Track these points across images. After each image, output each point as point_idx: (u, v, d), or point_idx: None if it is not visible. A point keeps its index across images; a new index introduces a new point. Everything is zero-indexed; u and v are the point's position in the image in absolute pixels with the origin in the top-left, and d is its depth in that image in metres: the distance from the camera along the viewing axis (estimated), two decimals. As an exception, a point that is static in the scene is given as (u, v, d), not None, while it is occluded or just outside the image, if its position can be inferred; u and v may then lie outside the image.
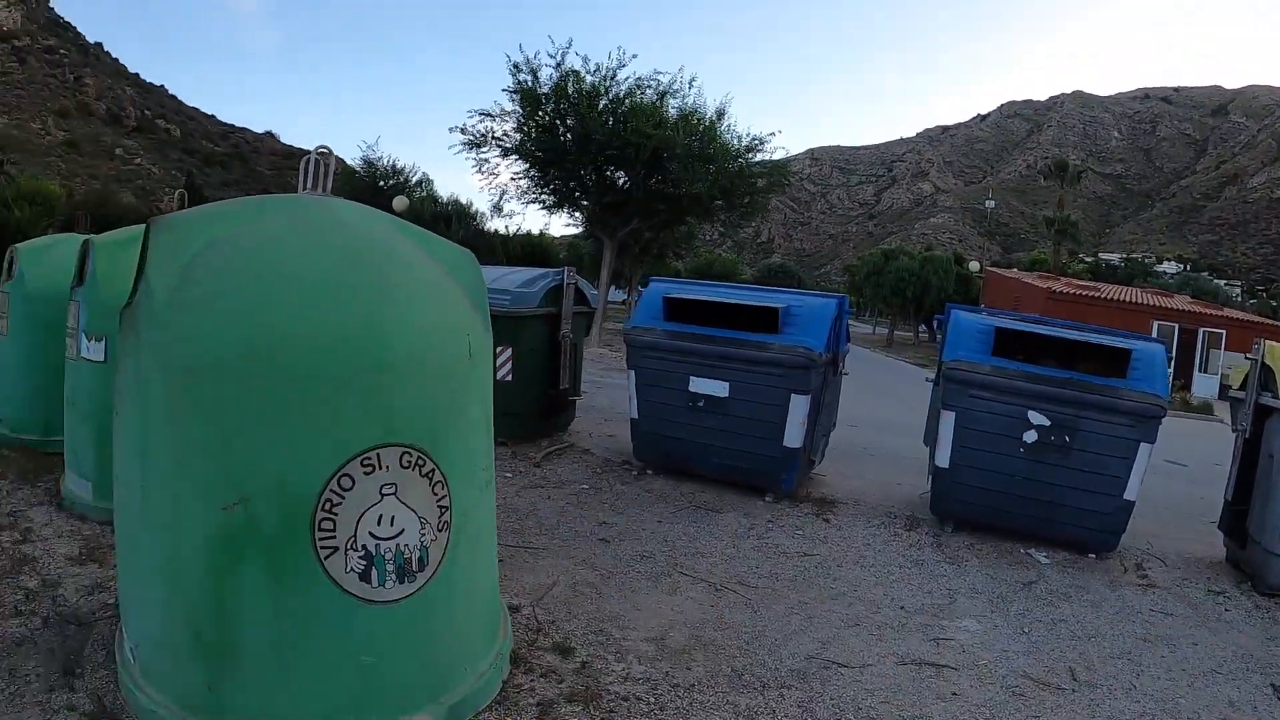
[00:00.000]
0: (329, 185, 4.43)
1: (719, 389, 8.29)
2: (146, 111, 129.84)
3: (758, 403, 8.19)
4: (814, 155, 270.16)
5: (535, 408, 10.17)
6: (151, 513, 3.50)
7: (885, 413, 16.31)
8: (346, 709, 3.48)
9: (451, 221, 34.45)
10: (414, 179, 41.39)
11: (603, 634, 5.06)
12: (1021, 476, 7.37)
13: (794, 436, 8.09)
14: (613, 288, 40.40)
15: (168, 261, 3.45)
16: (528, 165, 30.85)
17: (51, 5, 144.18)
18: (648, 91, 29.09)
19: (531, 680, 4.42)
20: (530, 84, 28.27)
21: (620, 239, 31.87)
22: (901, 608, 6.05)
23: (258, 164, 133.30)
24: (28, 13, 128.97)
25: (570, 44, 31.93)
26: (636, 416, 8.97)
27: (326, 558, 3.29)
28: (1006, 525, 7.81)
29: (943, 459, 7.58)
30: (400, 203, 33.03)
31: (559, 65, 28.36)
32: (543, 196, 32.26)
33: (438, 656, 3.79)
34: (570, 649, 4.78)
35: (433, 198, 38.82)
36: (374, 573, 3.40)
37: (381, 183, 39.84)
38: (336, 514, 3.29)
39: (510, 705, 4.17)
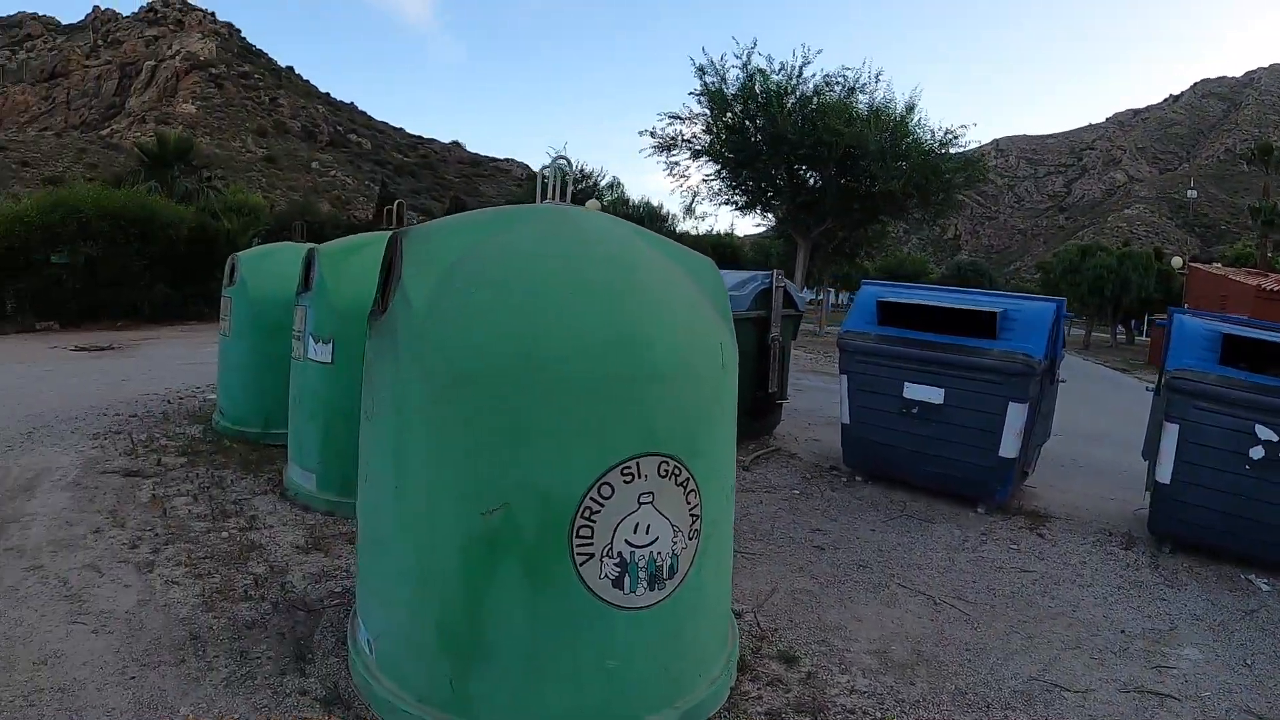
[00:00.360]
0: (569, 195, 4.48)
1: (934, 395, 8.16)
2: (338, 127, 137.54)
3: (973, 410, 8.00)
4: (999, 146, 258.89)
5: (744, 411, 10.13)
6: (406, 513, 3.67)
7: (1090, 421, 15.45)
8: (589, 711, 3.59)
9: (644, 224, 34.98)
10: (602, 182, 41.98)
11: (825, 644, 5.07)
12: (1247, 496, 6.79)
13: (1010, 446, 7.83)
14: (804, 288, 40.05)
15: (424, 271, 3.61)
16: (719, 166, 30.88)
17: (243, 35, 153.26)
18: (835, 88, 28.67)
19: (759, 688, 4.46)
20: (717, 85, 28.27)
21: (813, 239, 31.47)
22: (1122, 631, 5.83)
23: (446, 172, 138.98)
24: (222, 43, 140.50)
25: (755, 44, 31.72)
26: (848, 422, 8.89)
27: (582, 564, 3.38)
28: (1228, 547, 7.28)
29: (1164, 474, 7.17)
30: (592, 205, 33.51)
31: (745, 65, 28.28)
32: (735, 198, 32.25)
33: (677, 662, 3.86)
34: (795, 658, 4.81)
35: (624, 200, 39.27)
36: (626, 579, 3.49)
37: (570, 186, 40.68)
38: (595, 521, 3.38)
39: (739, 712, 4.19)
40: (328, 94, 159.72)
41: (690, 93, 29.99)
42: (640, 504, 3.44)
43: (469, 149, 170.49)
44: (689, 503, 3.63)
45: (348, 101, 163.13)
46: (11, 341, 18.90)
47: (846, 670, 4.73)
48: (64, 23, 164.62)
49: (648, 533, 3.48)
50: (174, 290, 23.05)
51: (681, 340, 3.68)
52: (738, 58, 28.57)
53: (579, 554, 3.35)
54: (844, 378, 8.99)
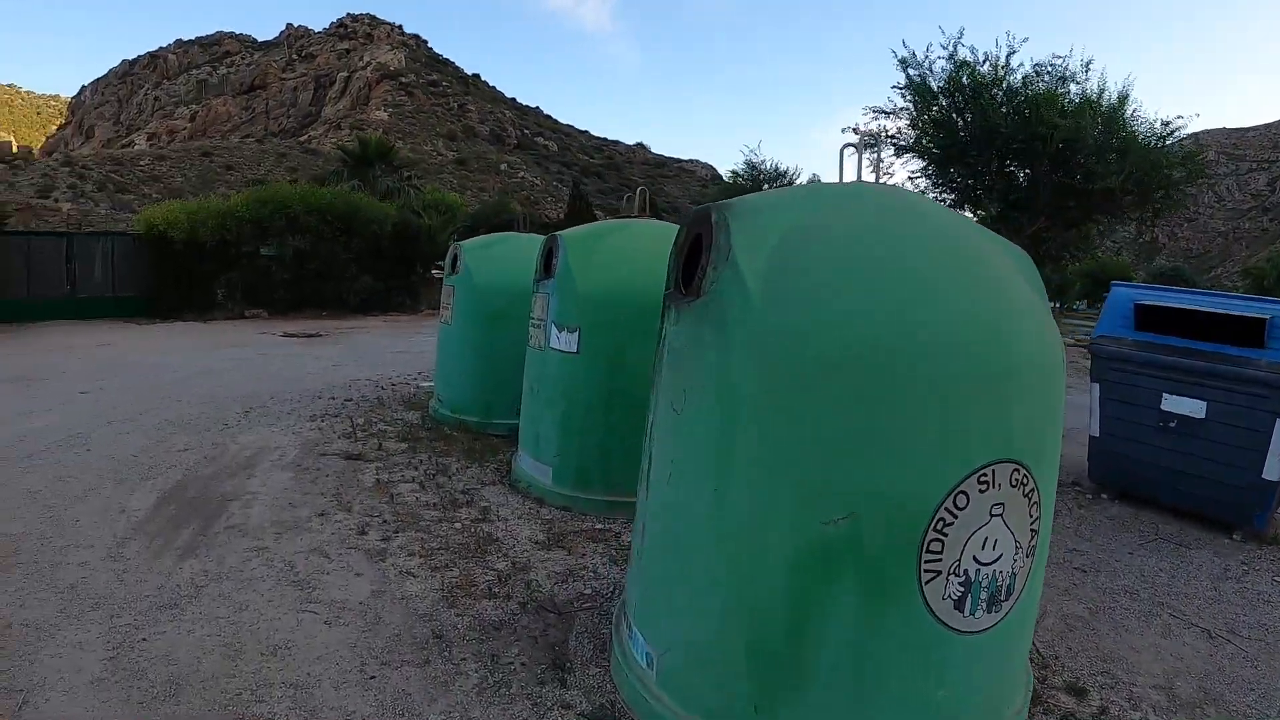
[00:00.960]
0: (860, 172, 4.13)
1: (1195, 409, 7.48)
2: (525, 130, 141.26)
3: (1236, 427, 7.28)
4: (1198, 140, 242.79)
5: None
6: (726, 518, 3.30)
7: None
8: (909, 740, 3.22)
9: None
10: (797, 180, 40.91)
11: (1109, 675, 4.68)
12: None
13: (1274, 468, 6.84)
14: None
15: (755, 251, 3.28)
16: (925, 163, 29.47)
17: (430, 45, 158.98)
18: (1045, 78, 26.89)
19: (1052, 721, 3.99)
20: (921, 78, 26.93)
21: (1025, 239, 29.74)
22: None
23: (631, 173, 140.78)
24: (410, 54, 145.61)
25: (962, 33, 30.08)
26: (1097, 434, 8.18)
27: (927, 582, 3.04)
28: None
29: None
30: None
31: (951, 56, 26.82)
32: (942, 196, 30.75)
33: (996, 689, 3.55)
34: (1083, 690, 4.44)
35: (817, 198, 38.49)
36: (968, 600, 3.14)
37: (765, 185, 39.71)
38: (946, 535, 3.03)
39: (1040, 749, 3.74)
40: (514, 99, 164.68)
41: (893, 86, 28.60)
42: (991, 516, 3.10)
43: (653, 150, 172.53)
44: (1031, 515, 3.26)
45: (533, 106, 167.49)
46: (223, 327, 19.82)
47: (1137, 707, 4.32)
48: (259, 40, 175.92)
49: (994, 548, 3.13)
50: (377, 282, 23.67)
51: (1033, 333, 3.34)
52: (944, 48, 27.06)
53: (926, 571, 3.01)
54: (1095, 386, 8.23)
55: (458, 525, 6.12)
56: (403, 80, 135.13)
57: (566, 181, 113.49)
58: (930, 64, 27.15)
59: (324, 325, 20.45)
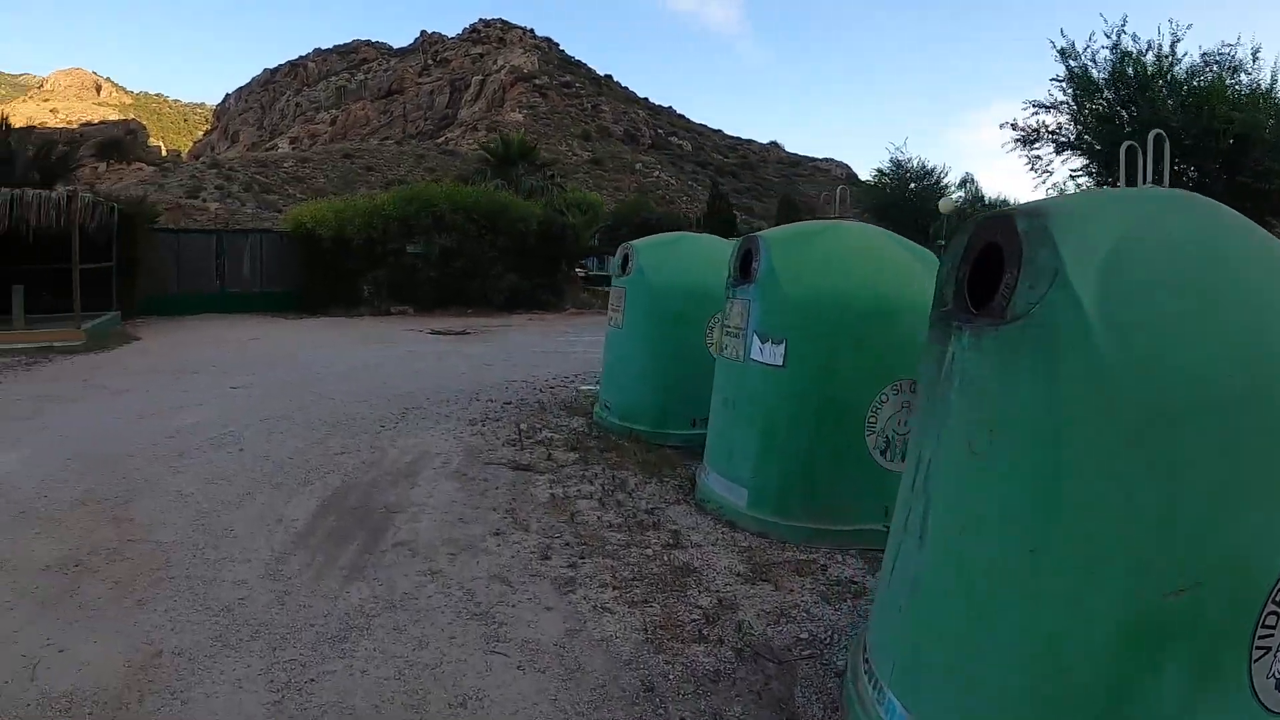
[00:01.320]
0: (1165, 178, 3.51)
1: None
2: (659, 130, 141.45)
3: None
4: None
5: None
6: (1043, 581, 2.80)
7: None
8: None
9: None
10: (943, 179, 39.44)
11: None
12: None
13: None
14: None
15: (1083, 270, 2.77)
16: (1086, 160, 27.78)
17: (562, 48, 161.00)
18: (1213, 68, 24.93)
19: None
20: (1082, 70, 25.31)
21: (1192, 243, 27.73)
22: None
23: (765, 172, 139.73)
24: (542, 56, 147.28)
25: (1125, 21, 28.08)
26: None
27: (1256, 660, 2.60)
28: None
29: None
30: (946, 204, 31.35)
31: (1115, 46, 25.09)
32: (1103, 196, 28.96)
33: None
34: None
35: (979, 199, 36.68)
36: None
37: (912, 184, 38.41)
38: None
39: None
40: (646, 99, 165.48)
41: (1052, 79, 26.96)
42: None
43: (787, 149, 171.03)
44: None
45: (666, 105, 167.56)
46: (369, 323, 19.78)
47: None
48: (395, 46, 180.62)
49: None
50: (522, 280, 23.43)
51: None
52: (1107, 36, 25.33)
53: (1257, 648, 2.59)
54: None
55: (648, 551, 5.42)
56: (536, 82, 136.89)
57: (702, 181, 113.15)
58: (1093, 54, 25.57)
59: (470, 323, 20.24)
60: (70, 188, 16.22)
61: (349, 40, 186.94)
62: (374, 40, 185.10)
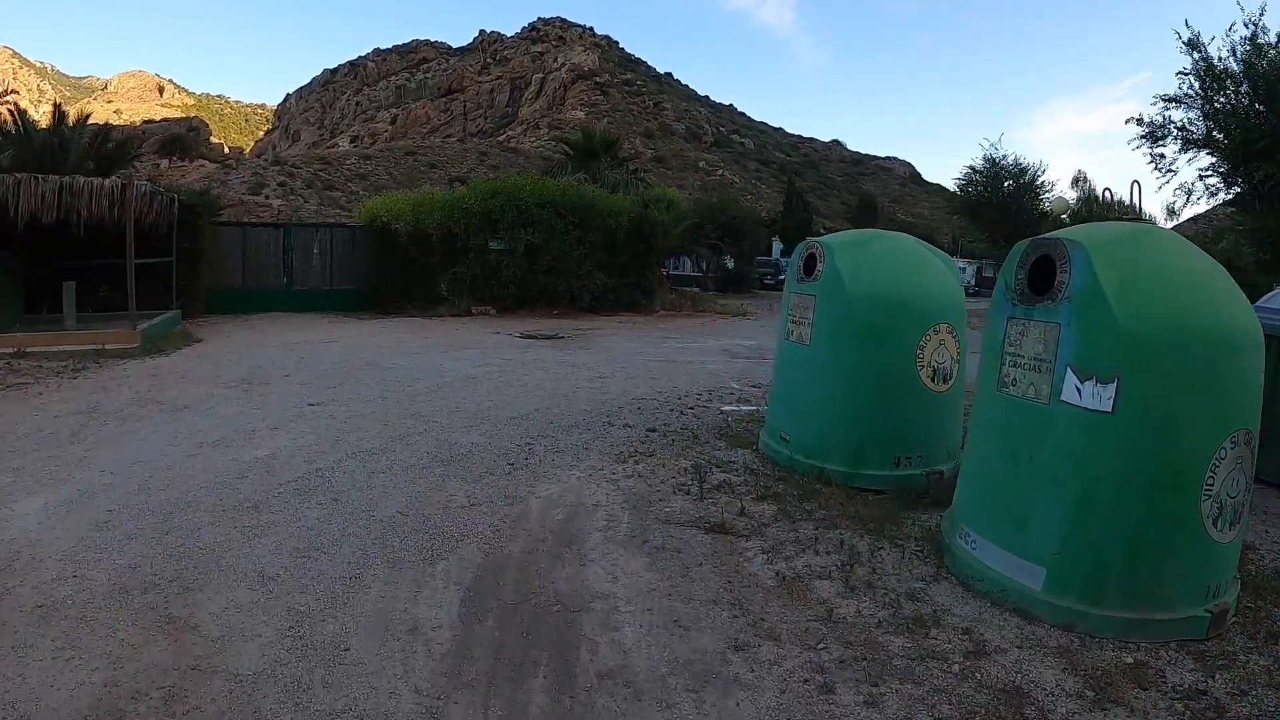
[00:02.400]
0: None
1: None
2: (721, 128, 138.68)
3: None
4: None
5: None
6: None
7: None
8: None
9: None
10: (1039, 177, 36.83)
11: None
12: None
13: None
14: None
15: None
16: (1215, 159, 25.46)
17: (621, 46, 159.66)
18: None
19: None
20: (1211, 62, 22.97)
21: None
22: None
23: (829, 171, 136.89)
24: (602, 54, 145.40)
25: (1264, 9, 25.63)
26: None
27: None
28: None
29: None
30: (1060, 204, 29.08)
31: (1253, 37, 22.71)
32: (1240, 199, 26.61)
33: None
34: None
35: (1093, 199, 34.07)
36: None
37: (1006, 182, 35.92)
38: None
39: None
40: (707, 97, 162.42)
41: (1179, 72, 24.63)
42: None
43: (849, 147, 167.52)
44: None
45: (726, 103, 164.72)
46: (450, 325, 18.08)
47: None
48: (454, 46, 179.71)
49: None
50: (611, 279, 21.51)
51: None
52: (1247, 25, 22.91)
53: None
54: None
55: (952, 668, 3.76)
56: (597, 80, 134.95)
57: (766, 180, 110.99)
58: (1232, 46, 23.23)
59: (559, 325, 18.50)
60: (126, 175, 14.61)
61: (408, 40, 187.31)
62: (433, 40, 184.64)
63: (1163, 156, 26.62)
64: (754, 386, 11.16)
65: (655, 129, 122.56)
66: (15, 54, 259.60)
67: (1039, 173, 36.01)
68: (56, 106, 21.09)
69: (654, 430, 8.20)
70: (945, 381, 6.73)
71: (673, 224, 24.03)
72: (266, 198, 50.74)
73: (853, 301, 6.74)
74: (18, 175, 13.36)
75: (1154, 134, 26.05)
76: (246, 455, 6.73)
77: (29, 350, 12.81)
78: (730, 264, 37.06)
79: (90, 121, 21.90)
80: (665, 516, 5.61)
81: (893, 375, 6.53)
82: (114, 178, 14.48)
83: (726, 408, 9.57)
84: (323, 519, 5.29)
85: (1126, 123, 25.78)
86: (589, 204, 21.27)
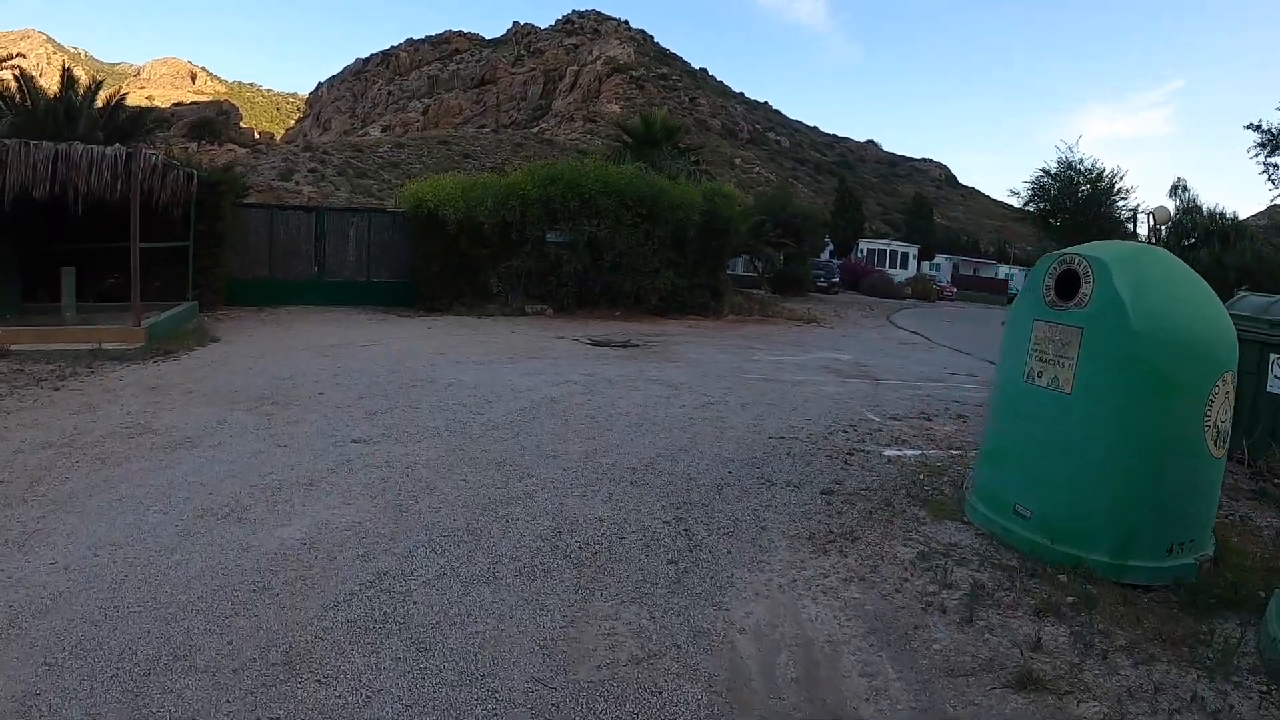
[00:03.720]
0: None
1: None
2: (756, 125, 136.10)
3: None
4: None
5: None
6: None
7: None
8: None
9: (1230, 240, 27.03)
10: (1117, 182, 34.22)
11: None
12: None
13: None
14: None
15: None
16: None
17: (656, 40, 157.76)
18: None
19: None
20: None
21: None
22: None
23: (863, 171, 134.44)
24: (638, 48, 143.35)
25: None
26: None
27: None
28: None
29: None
30: (1162, 214, 26.62)
31: None
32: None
33: None
34: None
35: (1195, 208, 31.40)
36: None
37: (1085, 187, 33.42)
38: None
39: None
40: (741, 93, 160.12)
41: None
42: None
43: (884, 148, 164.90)
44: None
45: (762, 100, 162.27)
46: (504, 326, 15.85)
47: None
48: (487, 37, 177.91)
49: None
50: (679, 279, 19.16)
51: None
52: None
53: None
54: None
55: None
56: (633, 74, 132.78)
57: (802, 178, 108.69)
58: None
59: (625, 329, 16.30)
60: (133, 146, 12.44)
61: (440, 31, 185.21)
62: (465, 31, 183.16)
63: (1276, 167, 24.60)
64: (895, 419, 8.95)
65: (691, 125, 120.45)
66: (49, 39, 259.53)
67: (1117, 178, 33.54)
68: (65, 71, 19.01)
69: (831, 493, 5.96)
70: (1224, 445, 5.01)
71: (741, 220, 21.66)
72: (296, 183, 48.97)
73: (1139, 340, 4.82)
74: (6, 141, 11.31)
75: (1273, 143, 24.02)
76: (269, 540, 4.53)
77: (12, 349, 10.71)
78: (781, 263, 34.66)
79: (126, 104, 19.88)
80: (941, 662, 3.54)
81: (1176, 438, 4.87)
82: (117, 145, 12.31)
83: (888, 452, 7.35)
84: (407, 690, 3.09)
85: (1246, 128, 23.70)
86: (657, 194, 18.80)
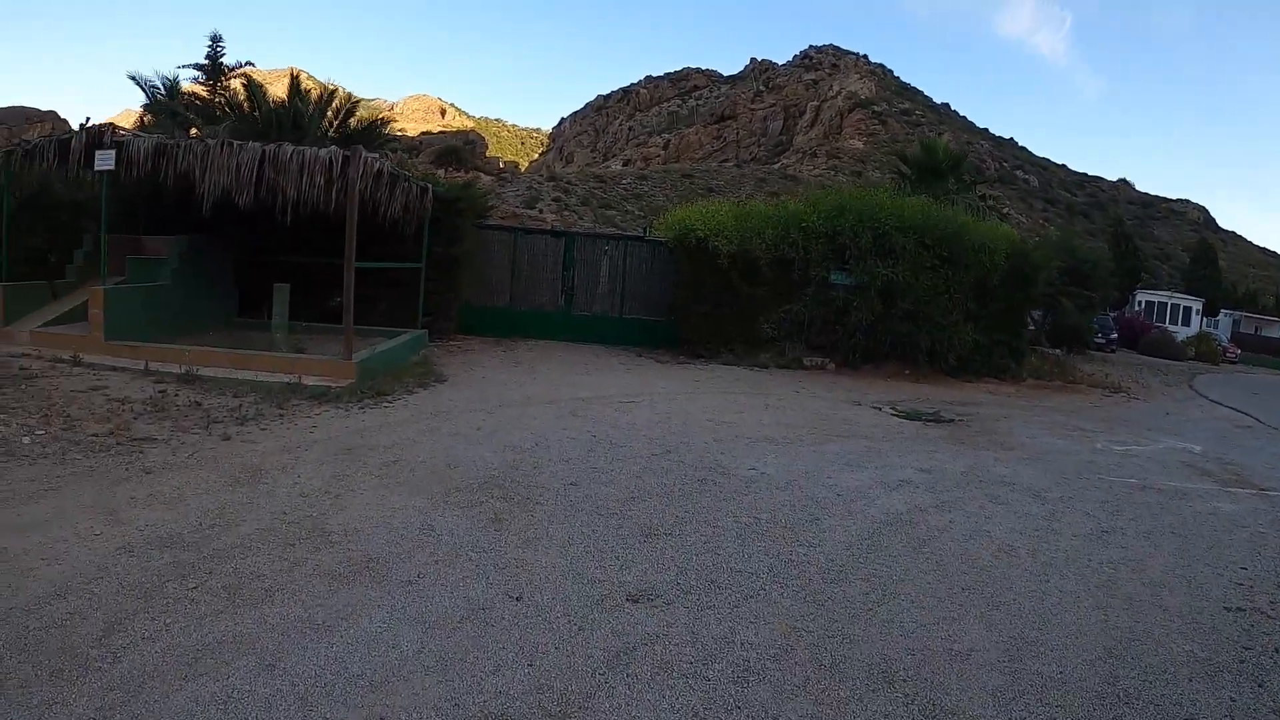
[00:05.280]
0: None
1: None
2: (1004, 163, 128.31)
3: None
4: None
5: None
6: None
7: None
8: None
9: None
10: None
11: None
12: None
13: None
14: None
15: None
16: None
17: (896, 74, 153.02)
18: None
19: None
20: None
21: None
22: None
23: (1116, 213, 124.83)
24: (878, 82, 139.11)
25: None
26: None
27: None
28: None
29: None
30: None
31: None
32: None
33: None
34: None
35: None
36: None
37: None
38: None
39: None
40: (986, 129, 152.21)
41: None
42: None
43: (1137, 188, 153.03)
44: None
45: (1008, 137, 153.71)
46: (786, 384, 12.94)
47: None
48: (725, 74, 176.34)
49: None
50: (980, 334, 15.77)
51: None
52: None
53: None
54: None
55: None
56: (875, 109, 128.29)
57: (1053, 220, 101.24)
58: None
59: (924, 394, 13.21)
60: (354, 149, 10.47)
61: (679, 68, 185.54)
62: (704, 68, 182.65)
63: None
64: None
65: (900, 163, 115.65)
66: (308, 75, 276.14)
67: None
68: (293, 79, 17.60)
69: None
70: None
71: (1043, 264, 18.04)
72: (540, 211, 48.06)
73: None
74: (208, 140, 9.73)
75: None
76: None
77: (200, 373, 9.01)
78: (1070, 316, 30.29)
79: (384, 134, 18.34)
80: None
81: None
82: (332, 147, 10.31)
83: None
84: None
85: None
86: (959, 233, 15.43)
